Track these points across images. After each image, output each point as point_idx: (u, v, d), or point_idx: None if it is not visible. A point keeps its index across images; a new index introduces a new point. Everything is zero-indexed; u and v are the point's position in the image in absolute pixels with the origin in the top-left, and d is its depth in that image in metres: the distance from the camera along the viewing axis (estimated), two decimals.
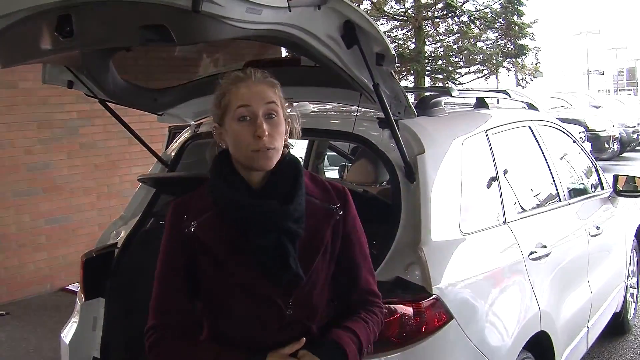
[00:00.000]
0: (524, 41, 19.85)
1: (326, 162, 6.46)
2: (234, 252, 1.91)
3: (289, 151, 2.02)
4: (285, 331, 1.91)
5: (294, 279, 1.89)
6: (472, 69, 20.50)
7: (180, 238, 1.94)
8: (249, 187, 1.94)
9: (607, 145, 16.97)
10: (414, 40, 19.67)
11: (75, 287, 3.37)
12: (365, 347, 1.97)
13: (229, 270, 1.91)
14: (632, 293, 5.46)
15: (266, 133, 1.86)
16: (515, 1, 19.14)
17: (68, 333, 3.40)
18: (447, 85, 17.60)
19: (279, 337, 1.90)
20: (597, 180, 4.95)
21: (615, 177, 4.94)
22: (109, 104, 3.33)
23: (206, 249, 1.92)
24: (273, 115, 1.89)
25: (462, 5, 18.92)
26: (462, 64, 20.42)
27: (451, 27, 19.92)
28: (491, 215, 3.16)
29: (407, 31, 20.04)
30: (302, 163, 2.07)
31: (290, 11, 2.07)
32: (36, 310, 6.25)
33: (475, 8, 19.51)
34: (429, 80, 20.10)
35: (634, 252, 5.37)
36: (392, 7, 19.66)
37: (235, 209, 1.91)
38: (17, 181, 6.49)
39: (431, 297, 2.50)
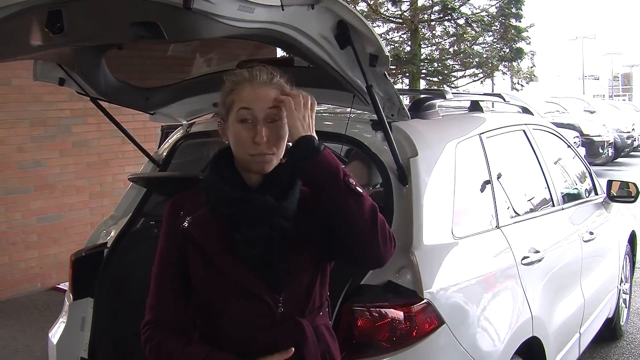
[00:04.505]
0: (520, 45, 19.87)
1: None
2: (224, 249, 1.89)
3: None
4: (277, 329, 1.89)
5: (280, 276, 1.88)
6: (468, 72, 20.52)
7: (175, 234, 1.94)
8: (245, 185, 1.92)
9: (601, 151, 17.01)
10: (409, 42, 19.66)
11: (66, 286, 3.36)
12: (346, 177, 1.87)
13: (219, 268, 1.89)
14: (625, 299, 5.46)
15: (265, 139, 1.84)
16: (512, 4, 19.16)
17: (56, 333, 3.38)
18: (441, 88, 17.60)
19: (270, 336, 1.89)
20: (590, 185, 4.94)
21: (609, 183, 4.94)
22: (101, 102, 3.31)
23: (198, 245, 1.91)
24: (275, 120, 1.87)
25: (459, 7, 18.93)
26: (457, 67, 20.43)
27: (447, 29, 19.92)
28: (484, 220, 3.14)
29: (403, 33, 20.05)
30: None
31: (283, 10, 2.05)
32: (26, 309, 6.21)
33: (472, 11, 19.53)
34: (425, 83, 20.10)
35: (627, 258, 5.36)
36: (388, 9, 19.65)
37: (227, 204, 1.89)
38: (8, 179, 6.45)
39: (422, 302, 2.48)
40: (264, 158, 1.86)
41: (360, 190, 1.89)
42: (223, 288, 1.90)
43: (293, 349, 1.87)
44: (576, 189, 4.68)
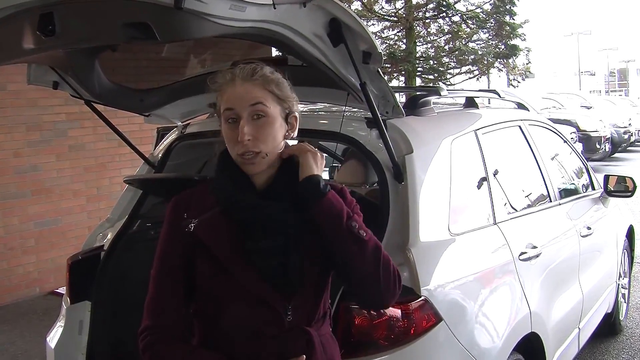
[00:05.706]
0: (515, 41, 19.86)
1: None
2: (235, 253, 1.84)
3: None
4: (285, 338, 1.86)
5: (294, 284, 1.84)
6: (464, 69, 20.50)
7: (179, 236, 1.87)
8: (253, 186, 1.88)
9: (598, 146, 17.03)
10: (404, 40, 19.65)
11: (64, 290, 3.36)
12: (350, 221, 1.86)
13: (229, 272, 1.83)
14: (624, 293, 5.46)
15: (247, 137, 1.80)
16: (506, 1, 19.16)
17: (54, 337, 3.37)
18: (436, 85, 17.58)
19: (277, 345, 1.85)
20: (588, 180, 4.94)
21: (606, 178, 4.93)
22: (95, 105, 3.30)
23: (206, 248, 1.84)
24: (261, 116, 1.83)
25: (453, 4, 18.92)
26: (453, 64, 20.42)
27: (442, 27, 19.92)
28: (481, 216, 3.14)
29: (398, 31, 20.03)
30: None
31: (275, 8, 2.04)
32: (25, 314, 6.20)
33: (467, 8, 19.52)
34: (420, 80, 20.08)
35: (625, 253, 5.36)
36: (382, 7, 19.64)
37: (241, 210, 1.84)
38: (5, 184, 6.43)
39: (420, 299, 2.47)
40: (249, 156, 1.82)
41: (364, 235, 1.86)
42: (232, 294, 1.85)
43: (304, 356, 1.84)
44: (573, 184, 4.67)
